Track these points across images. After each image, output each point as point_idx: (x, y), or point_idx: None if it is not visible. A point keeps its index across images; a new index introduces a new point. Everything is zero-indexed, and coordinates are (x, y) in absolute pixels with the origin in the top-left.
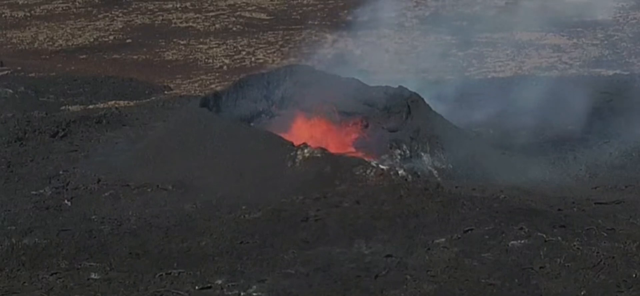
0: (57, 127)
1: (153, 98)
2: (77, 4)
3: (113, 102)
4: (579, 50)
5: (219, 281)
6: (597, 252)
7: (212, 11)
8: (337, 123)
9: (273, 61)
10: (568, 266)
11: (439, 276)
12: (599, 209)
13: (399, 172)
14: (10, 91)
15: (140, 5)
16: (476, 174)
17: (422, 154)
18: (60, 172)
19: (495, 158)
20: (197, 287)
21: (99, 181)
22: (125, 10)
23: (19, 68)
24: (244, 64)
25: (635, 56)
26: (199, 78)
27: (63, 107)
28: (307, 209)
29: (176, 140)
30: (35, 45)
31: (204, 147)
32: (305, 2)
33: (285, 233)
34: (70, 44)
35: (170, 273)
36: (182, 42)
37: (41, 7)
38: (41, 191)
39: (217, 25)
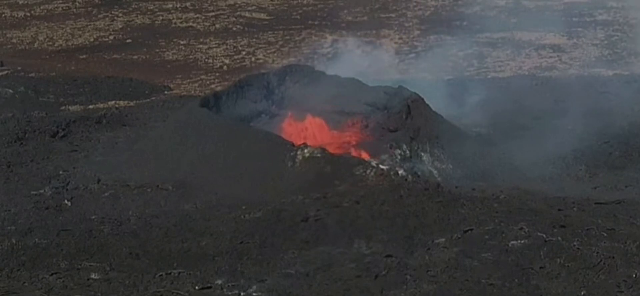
0: (57, 127)
1: (153, 98)
2: (77, 4)
3: (113, 102)
4: (579, 50)
5: (219, 281)
6: (597, 252)
7: (212, 11)
8: (337, 123)
9: (273, 61)
10: (568, 266)
11: (439, 276)
12: (599, 209)
13: (399, 172)
14: (10, 91)
15: (140, 5)
16: (476, 174)
17: (422, 154)
18: (60, 172)
19: (495, 158)
20: (197, 287)
21: (99, 181)
22: (125, 10)
23: (19, 68)
24: (244, 64)
25: (635, 55)
26: (199, 78)
27: (63, 107)
28: (307, 209)
29: (176, 140)
30: (35, 45)
31: (204, 147)
32: (305, 2)
33: (285, 233)
34: (70, 44)
35: (170, 273)
36: (182, 42)
37: (41, 7)
38: (41, 191)
39: (217, 25)
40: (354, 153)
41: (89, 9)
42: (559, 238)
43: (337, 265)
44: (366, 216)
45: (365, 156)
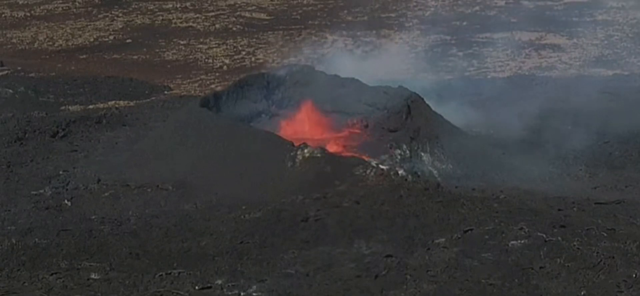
0: (57, 127)
1: (153, 98)
2: (77, 4)
3: (113, 102)
4: (579, 50)
5: (219, 281)
6: (597, 252)
7: (212, 11)
8: (337, 123)
9: (273, 61)
10: (568, 266)
11: (439, 276)
12: (599, 209)
13: (399, 172)
14: (10, 91)
15: (140, 5)
16: (476, 174)
17: (422, 154)
18: (60, 172)
19: (495, 158)
20: (197, 287)
21: (99, 181)
22: (125, 10)
23: (19, 68)
24: (244, 64)
25: (635, 55)
26: (199, 78)
27: (63, 107)
28: (307, 209)
29: (176, 140)
30: (35, 45)
31: (204, 147)
32: (305, 2)
33: (285, 233)
34: (70, 44)
35: (170, 273)
36: (182, 42)
37: (41, 7)
38: (41, 191)
39: (217, 25)
40: (353, 152)
41: (89, 9)
42: (559, 238)
43: (337, 265)
44: (366, 216)
45: (365, 156)
